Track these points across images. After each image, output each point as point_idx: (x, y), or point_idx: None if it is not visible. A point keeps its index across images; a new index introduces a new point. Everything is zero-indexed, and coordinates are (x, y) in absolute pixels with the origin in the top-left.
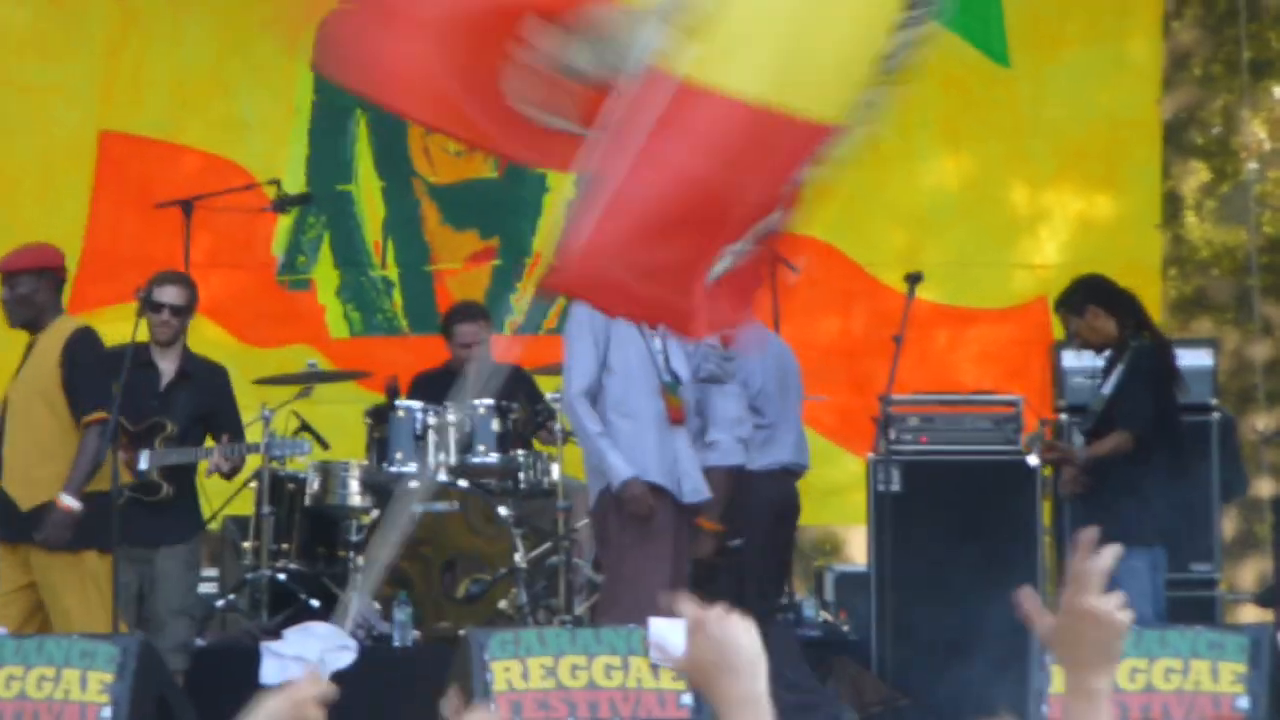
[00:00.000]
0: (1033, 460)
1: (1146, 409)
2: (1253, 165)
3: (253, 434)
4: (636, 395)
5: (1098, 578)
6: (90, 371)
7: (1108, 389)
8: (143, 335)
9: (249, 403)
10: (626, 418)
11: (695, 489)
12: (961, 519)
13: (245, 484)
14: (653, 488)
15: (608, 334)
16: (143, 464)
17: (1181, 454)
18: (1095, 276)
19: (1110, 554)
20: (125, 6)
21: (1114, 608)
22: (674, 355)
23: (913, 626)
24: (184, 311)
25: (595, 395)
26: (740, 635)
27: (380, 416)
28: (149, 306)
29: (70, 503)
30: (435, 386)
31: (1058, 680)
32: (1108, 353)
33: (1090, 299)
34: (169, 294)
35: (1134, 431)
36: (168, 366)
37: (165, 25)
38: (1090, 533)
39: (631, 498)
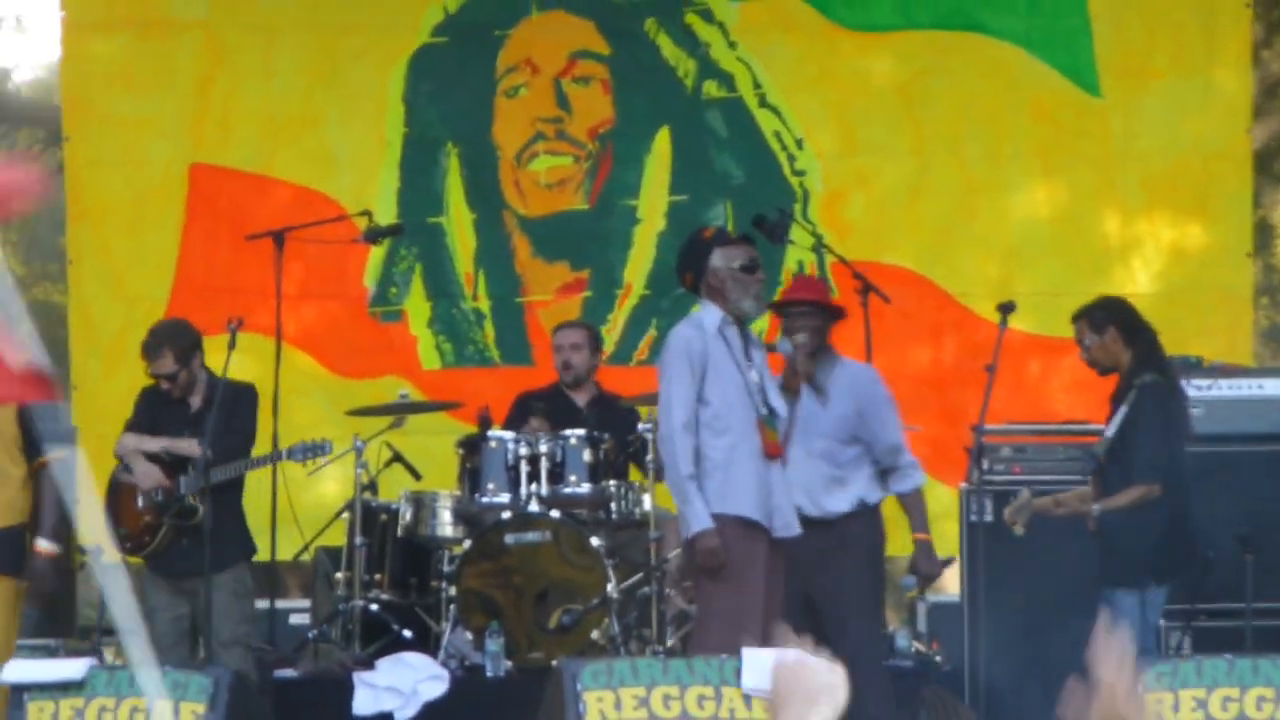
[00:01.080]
0: (1019, 531)
1: (1162, 457)
2: None
3: (344, 465)
4: (734, 428)
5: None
6: (44, 415)
7: (1111, 430)
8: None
9: (342, 434)
10: (725, 451)
11: (786, 524)
12: (1054, 549)
13: (338, 515)
14: (746, 523)
15: (704, 366)
16: (181, 489)
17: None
18: (1124, 302)
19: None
20: (215, 40)
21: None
22: (770, 389)
23: (1005, 657)
24: (182, 369)
25: (708, 424)
26: (821, 672)
27: (472, 447)
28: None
29: (49, 548)
30: (540, 405)
31: (1150, 709)
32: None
33: (1114, 322)
34: (162, 366)
35: (1156, 482)
36: (195, 400)
37: (255, 58)
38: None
39: (704, 550)
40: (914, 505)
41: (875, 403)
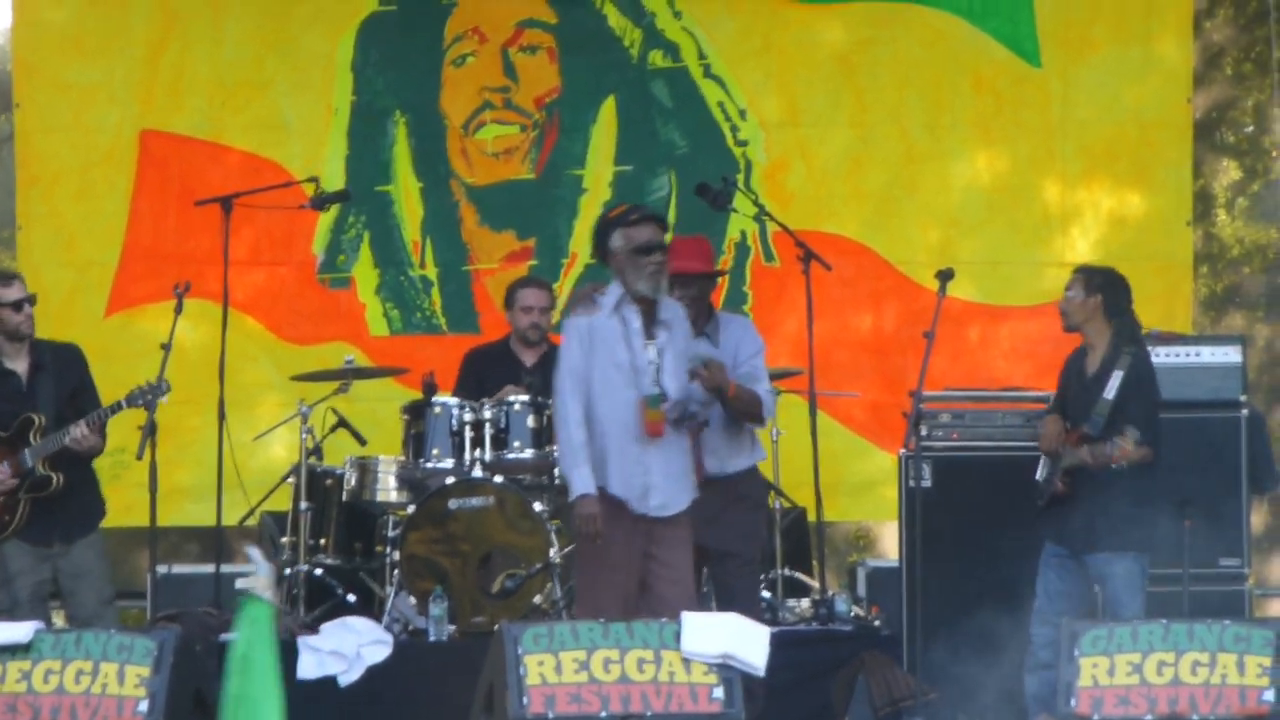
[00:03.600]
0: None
1: (1157, 424)
2: None
3: (290, 430)
4: (608, 405)
5: None
6: None
7: (1110, 394)
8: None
9: (287, 399)
10: (597, 425)
11: (662, 504)
12: (992, 514)
13: (283, 479)
14: (609, 498)
15: (591, 340)
16: (27, 462)
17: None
18: (1125, 283)
19: None
20: (166, 6)
21: None
22: (667, 370)
23: (944, 621)
24: (34, 302)
25: (588, 402)
26: None
27: (417, 413)
28: (8, 308)
29: None
30: (489, 361)
31: (1086, 673)
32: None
33: (1103, 291)
34: (17, 290)
35: (1152, 447)
36: (20, 365)
37: (206, 25)
38: None
39: (579, 515)
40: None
41: (753, 354)
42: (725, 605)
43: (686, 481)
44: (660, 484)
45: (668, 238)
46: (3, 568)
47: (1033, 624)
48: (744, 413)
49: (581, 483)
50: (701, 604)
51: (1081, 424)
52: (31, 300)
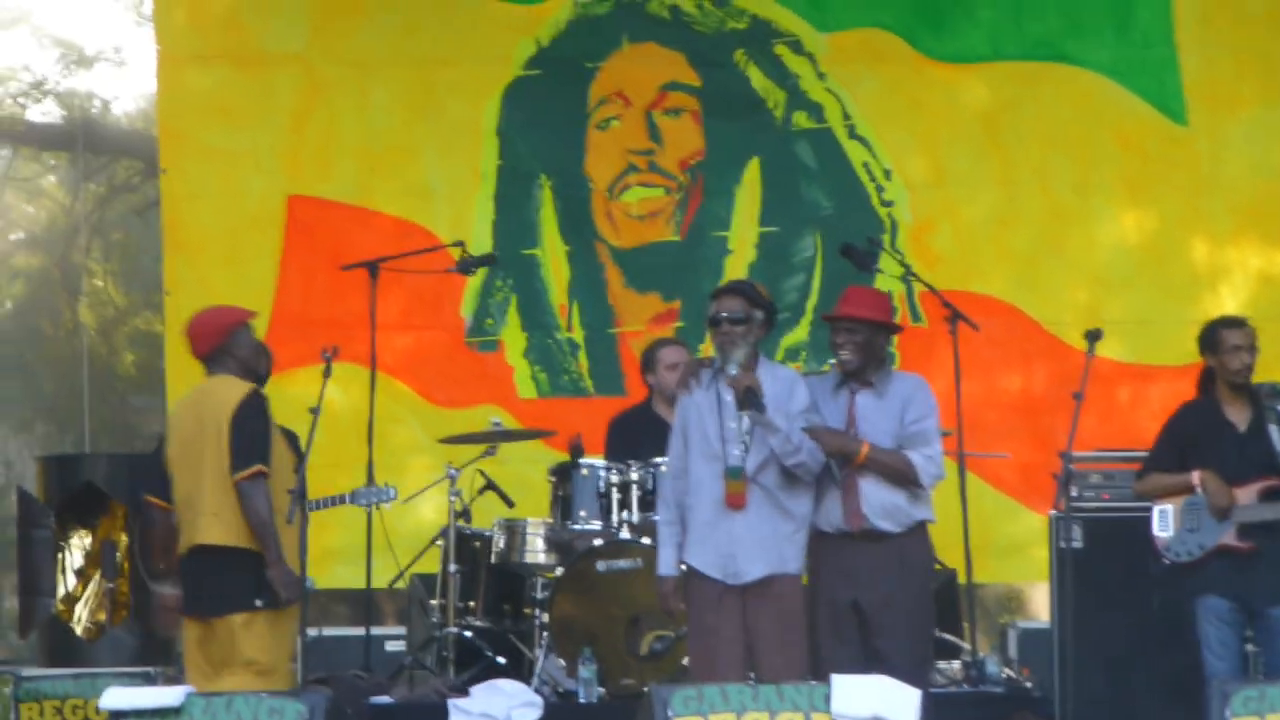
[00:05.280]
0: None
1: None
2: None
3: (438, 493)
4: (698, 477)
5: None
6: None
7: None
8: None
9: (435, 462)
10: (690, 501)
11: (739, 572)
12: (1143, 574)
13: (432, 542)
14: (695, 572)
15: (688, 415)
16: None
17: None
18: None
19: None
20: (311, 73)
21: None
22: (758, 441)
23: (1094, 682)
24: None
25: (679, 474)
26: None
27: (564, 475)
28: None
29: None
30: (635, 426)
31: None
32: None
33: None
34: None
35: None
36: None
37: (352, 92)
38: None
39: (660, 594)
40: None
41: (921, 413)
42: (880, 667)
43: (776, 553)
44: (742, 553)
45: (809, 299)
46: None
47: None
48: (888, 476)
49: (662, 564)
50: (817, 667)
51: (1242, 479)
52: None
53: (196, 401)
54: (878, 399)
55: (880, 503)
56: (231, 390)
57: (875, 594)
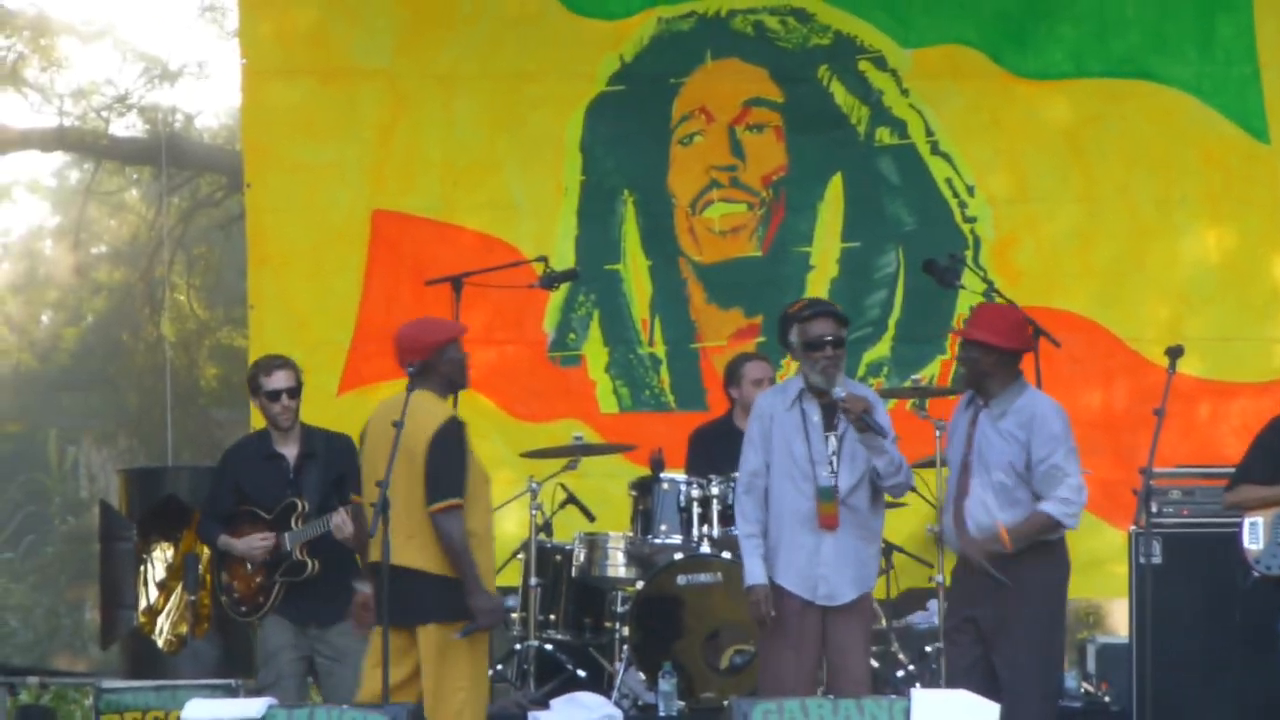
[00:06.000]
0: None
1: None
2: None
3: (520, 506)
4: (784, 496)
5: None
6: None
7: None
8: (259, 423)
9: (517, 475)
10: (772, 520)
11: (829, 594)
12: (1223, 590)
13: (513, 555)
14: (780, 589)
15: (770, 431)
16: (286, 545)
17: None
18: None
19: None
20: (396, 88)
21: None
22: (845, 461)
23: (1173, 698)
24: (298, 393)
25: (767, 490)
26: None
27: (645, 489)
28: (264, 396)
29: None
30: (716, 439)
31: None
32: None
33: None
34: (280, 379)
35: None
36: (290, 451)
37: (436, 106)
38: None
39: (751, 602)
40: (1026, 532)
41: (1048, 441)
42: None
43: (860, 572)
44: (830, 575)
45: (890, 315)
46: (264, 644)
47: None
48: (1036, 537)
49: (752, 574)
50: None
51: None
52: (293, 391)
53: (395, 417)
54: (996, 420)
55: (979, 525)
56: (431, 414)
57: (989, 612)
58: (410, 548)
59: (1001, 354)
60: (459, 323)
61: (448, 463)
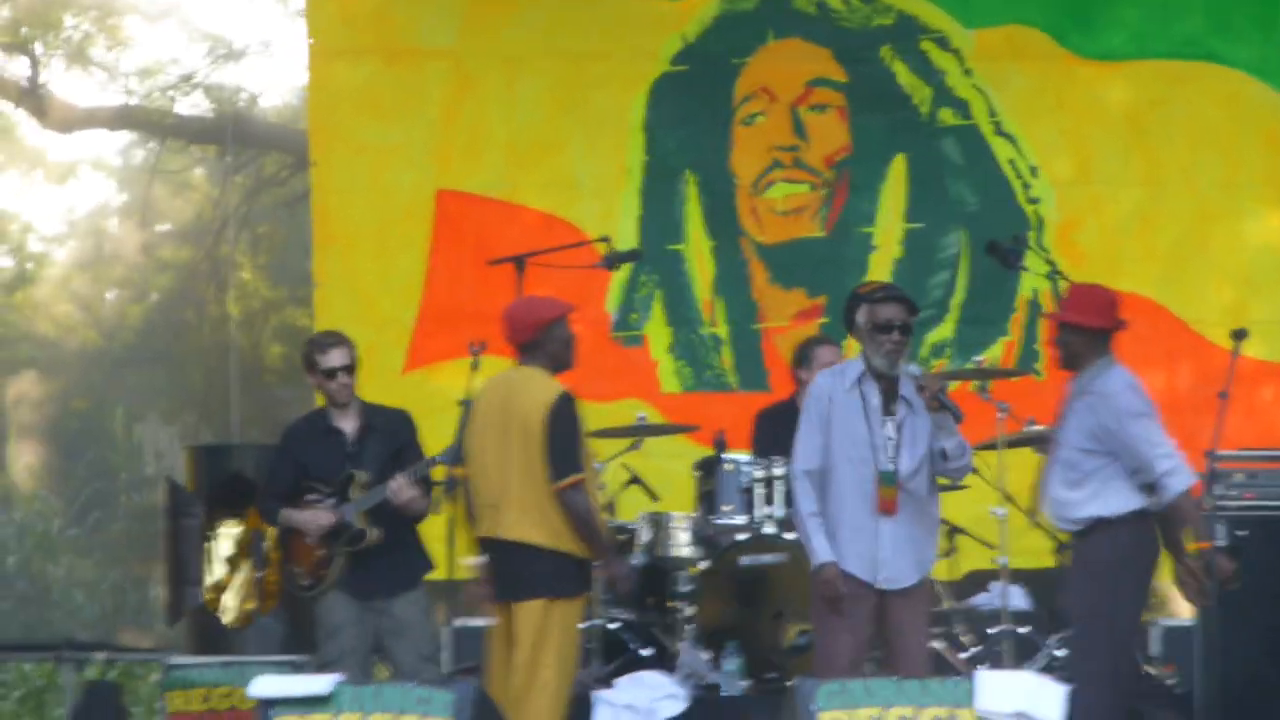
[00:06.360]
0: None
1: None
2: None
3: None
4: (844, 479)
5: None
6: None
7: None
8: (323, 402)
9: None
10: (831, 503)
11: (890, 578)
12: None
13: None
14: (846, 574)
15: (829, 416)
16: (347, 515)
17: None
18: None
19: None
20: (460, 68)
21: None
22: (905, 445)
23: (1237, 681)
24: (354, 370)
25: (825, 472)
26: None
27: (708, 469)
28: (321, 373)
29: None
30: (782, 421)
31: None
32: None
33: None
34: (336, 357)
35: None
36: (349, 425)
37: (500, 87)
38: None
39: (821, 580)
40: (1174, 518)
41: (1115, 416)
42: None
43: (919, 556)
44: (890, 559)
45: (953, 296)
46: (327, 620)
47: None
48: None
49: (822, 552)
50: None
51: None
52: (349, 368)
53: (505, 393)
54: (1078, 398)
55: (1049, 498)
56: (543, 390)
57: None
58: (525, 522)
59: (1090, 334)
60: (567, 301)
61: (567, 439)
